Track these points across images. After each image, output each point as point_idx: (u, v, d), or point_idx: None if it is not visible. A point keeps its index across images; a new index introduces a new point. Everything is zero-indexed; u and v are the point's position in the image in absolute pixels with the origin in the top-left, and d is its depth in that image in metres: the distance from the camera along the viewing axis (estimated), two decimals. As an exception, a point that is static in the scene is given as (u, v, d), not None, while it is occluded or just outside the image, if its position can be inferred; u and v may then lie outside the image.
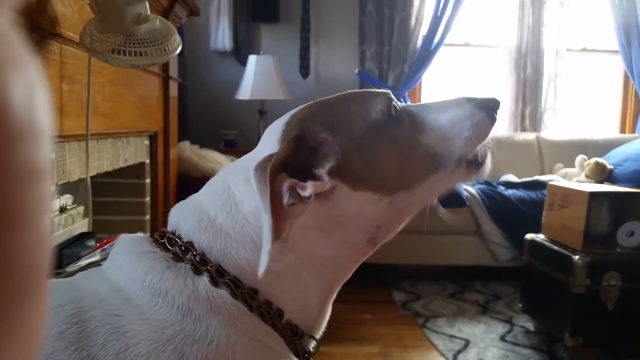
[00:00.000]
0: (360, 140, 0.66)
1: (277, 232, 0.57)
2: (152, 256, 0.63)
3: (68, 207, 1.51)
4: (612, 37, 4.03)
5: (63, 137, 1.30)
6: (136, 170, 2.06)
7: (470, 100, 0.74)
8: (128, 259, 0.64)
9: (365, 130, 0.67)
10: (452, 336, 2.43)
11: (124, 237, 0.68)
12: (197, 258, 0.62)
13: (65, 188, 1.56)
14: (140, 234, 0.68)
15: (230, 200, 0.65)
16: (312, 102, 0.72)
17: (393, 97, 0.72)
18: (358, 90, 0.74)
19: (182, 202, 0.71)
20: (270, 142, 0.67)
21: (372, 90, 0.73)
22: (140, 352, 0.55)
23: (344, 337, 2.39)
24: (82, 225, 1.56)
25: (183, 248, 0.63)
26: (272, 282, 0.63)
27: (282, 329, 0.63)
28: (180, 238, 0.65)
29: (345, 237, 0.67)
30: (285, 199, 0.59)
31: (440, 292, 3.08)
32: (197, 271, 0.61)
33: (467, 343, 2.36)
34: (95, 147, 1.53)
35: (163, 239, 0.65)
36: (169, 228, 0.68)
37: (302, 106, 0.71)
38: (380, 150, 0.67)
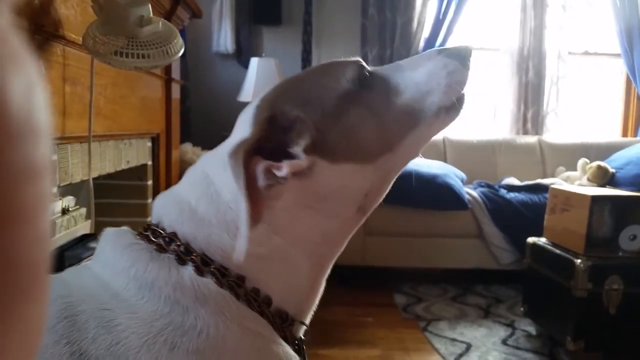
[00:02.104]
0: (333, 113, 0.65)
1: (255, 216, 0.57)
2: (135, 248, 0.62)
3: (70, 209, 1.51)
4: (614, 41, 4.03)
5: (65, 139, 1.30)
6: (138, 172, 2.06)
7: (441, 51, 0.73)
8: (112, 253, 0.63)
9: (338, 101, 0.66)
10: (453, 339, 2.42)
11: (108, 231, 0.67)
12: (182, 248, 0.62)
13: (68, 190, 1.56)
14: (124, 227, 0.68)
15: (210, 189, 0.64)
16: (282, 81, 0.71)
17: (364, 63, 0.70)
18: (327, 62, 0.72)
19: (163, 194, 0.70)
20: (243, 127, 0.66)
21: (340, 60, 0.71)
22: (131, 346, 0.54)
23: (345, 340, 2.38)
24: (84, 227, 1.56)
25: (167, 239, 0.63)
26: (259, 268, 0.63)
27: (271, 316, 0.63)
28: (164, 229, 0.64)
29: (333, 211, 0.66)
30: (261, 182, 0.59)
31: (442, 295, 3.07)
32: (182, 261, 0.61)
33: (468, 346, 2.36)
34: (98, 149, 1.53)
35: (147, 232, 0.64)
36: (153, 220, 0.67)
37: (272, 87, 0.70)
38: (355, 120, 0.66)
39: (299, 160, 0.62)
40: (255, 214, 0.57)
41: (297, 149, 0.63)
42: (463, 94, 0.72)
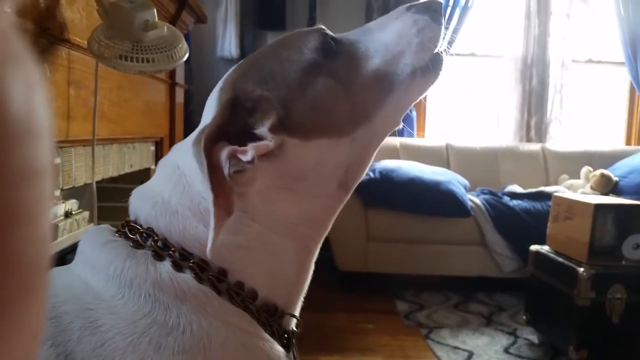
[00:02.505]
0: (298, 87, 0.62)
1: (226, 206, 0.54)
2: (112, 245, 0.60)
3: (73, 212, 1.51)
4: (618, 49, 4.03)
5: (69, 142, 1.31)
6: (141, 175, 2.06)
7: (409, 7, 0.68)
8: (91, 251, 0.61)
9: (302, 74, 0.62)
10: (455, 347, 2.41)
11: (88, 230, 0.66)
12: (159, 243, 0.60)
13: (71, 193, 1.57)
14: (103, 225, 0.66)
15: (182, 180, 0.62)
16: (244, 59, 0.68)
17: (327, 31, 0.67)
18: (289, 33, 0.69)
19: (138, 188, 0.68)
20: (209, 112, 0.64)
21: (302, 29, 0.68)
22: (116, 347, 0.53)
23: (346, 347, 2.37)
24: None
25: (144, 235, 0.61)
26: (240, 258, 0.61)
27: (256, 311, 0.60)
28: (141, 225, 0.62)
29: (313, 191, 0.63)
30: (226, 169, 0.55)
31: (444, 302, 3.06)
32: (159, 257, 0.59)
33: (470, 355, 2.35)
34: (101, 152, 1.54)
35: (124, 228, 0.63)
36: (130, 217, 0.65)
37: (234, 67, 0.67)
38: (323, 92, 0.62)
39: (266, 142, 0.58)
40: (225, 203, 0.54)
41: (263, 130, 0.59)
42: (440, 54, 0.68)
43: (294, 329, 0.68)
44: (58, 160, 1.26)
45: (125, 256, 0.59)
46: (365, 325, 2.66)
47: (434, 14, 0.68)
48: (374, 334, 2.57)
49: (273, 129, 0.59)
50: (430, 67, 0.67)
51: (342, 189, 0.66)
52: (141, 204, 0.64)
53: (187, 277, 0.58)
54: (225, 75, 0.66)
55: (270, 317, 0.63)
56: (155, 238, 0.61)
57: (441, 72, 0.68)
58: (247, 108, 0.61)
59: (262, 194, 0.61)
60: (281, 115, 0.60)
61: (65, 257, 1.28)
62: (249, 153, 0.56)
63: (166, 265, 0.58)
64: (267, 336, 0.61)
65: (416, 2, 0.69)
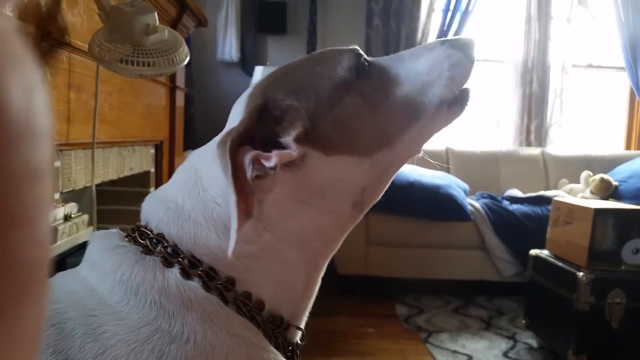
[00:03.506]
0: (327, 102, 0.62)
1: (246, 209, 0.54)
2: (121, 251, 0.60)
3: (73, 215, 1.51)
4: (618, 54, 4.03)
5: (69, 145, 1.31)
6: (141, 179, 2.06)
7: (444, 42, 0.70)
8: (99, 256, 0.61)
9: (332, 90, 0.63)
10: (454, 351, 2.41)
11: (96, 234, 0.65)
12: (169, 250, 0.59)
13: (70, 196, 1.57)
14: (112, 229, 0.66)
15: (197, 185, 0.62)
16: (277, 68, 0.69)
17: (361, 52, 0.68)
18: (324, 49, 0.70)
19: (152, 193, 0.68)
20: (235, 116, 0.64)
21: (337, 47, 0.68)
22: (119, 354, 0.53)
23: (346, 351, 2.37)
24: (86, 234, 1.55)
25: (154, 240, 0.60)
26: (249, 267, 0.60)
27: (262, 323, 0.60)
28: (151, 230, 0.62)
29: (328, 206, 0.63)
30: (249, 173, 0.56)
31: (444, 306, 3.06)
32: (168, 264, 0.58)
33: (470, 358, 2.34)
34: (101, 155, 1.54)
35: (135, 233, 0.62)
36: (142, 221, 0.65)
37: (266, 75, 0.68)
38: (351, 110, 0.63)
39: (290, 151, 0.59)
40: (246, 207, 0.55)
41: (289, 139, 0.60)
42: (468, 89, 0.69)
43: (299, 341, 0.67)
44: (58, 163, 1.26)
45: (134, 262, 0.59)
46: (365, 329, 2.66)
47: (467, 50, 0.69)
48: (374, 338, 2.56)
49: (298, 140, 0.60)
50: (457, 101, 0.68)
51: (356, 208, 0.66)
52: (154, 209, 0.64)
53: (194, 285, 0.58)
54: (256, 82, 0.67)
55: (275, 329, 0.62)
56: (165, 244, 0.60)
57: (467, 107, 0.70)
58: (274, 116, 0.61)
59: (278, 203, 0.61)
60: (307, 127, 0.61)
61: (64, 260, 1.28)
62: (272, 159, 0.57)
63: (174, 273, 0.58)
64: (272, 348, 0.61)
65: (451, 38, 0.71)
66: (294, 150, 0.59)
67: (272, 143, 0.60)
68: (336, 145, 0.62)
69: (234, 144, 0.56)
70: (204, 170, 0.62)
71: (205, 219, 0.60)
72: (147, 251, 0.60)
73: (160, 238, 0.61)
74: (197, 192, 0.62)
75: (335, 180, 0.63)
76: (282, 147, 0.60)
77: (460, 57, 0.68)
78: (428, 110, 0.66)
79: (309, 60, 0.68)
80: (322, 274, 0.69)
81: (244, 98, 0.65)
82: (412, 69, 0.68)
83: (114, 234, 0.65)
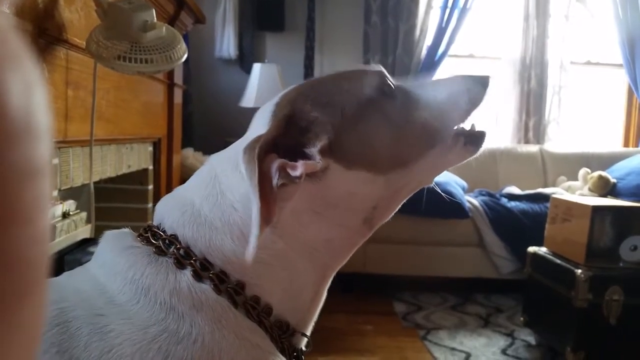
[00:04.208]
0: (353, 118, 0.65)
1: (267, 216, 0.55)
2: (134, 251, 0.61)
3: (71, 213, 1.51)
4: (616, 51, 4.04)
5: (67, 143, 1.30)
6: (139, 176, 2.06)
7: (464, 77, 0.74)
8: (111, 255, 0.61)
9: (358, 107, 0.66)
10: (453, 349, 2.41)
11: (108, 234, 0.66)
12: (181, 251, 0.60)
13: (68, 193, 1.56)
14: (124, 229, 0.66)
15: (216, 189, 0.63)
16: (304, 81, 0.70)
17: (386, 73, 0.70)
18: (350, 69, 0.72)
19: (167, 195, 0.69)
20: (260, 124, 0.65)
21: (364, 67, 0.71)
22: (124, 353, 0.53)
23: (344, 348, 2.38)
24: (84, 231, 1.55)
25: (167, 241, 0.61)
26: (260, 273, 0.61)
27: (269, 327, 0.61)
28: (164, 232, 0.63)
29: (340, 219, 0.65)
30: (275, 180, 0.57)
31: (442, 304, 3.06)
32: (180, 265, 0.59)
33: (468, 356, 2.35)
34: (99, 152, 1.53)
35: (147, 233, 0.63)
36: (155, 222, 0.65)
37: (292, 86, 0.69)
38: (374, 128, 0.66)
39: (315, 162, 0.61)
40: (267, 214, 0.55)
41: (314, 150, 0.61)
42: (484, 132, 0.74)
43: (303, 348, 0.68)
44: (56, 161, 1.26)
45: (146, 262, 0.59)
46: (363, 327, 2.66)
47: (484, 85, 0.73)
48: (372, 335, 2.57)
49: (322, 152, 0.61)
50: (472, 140, 0.73)
51: (366, 225, 0.68)
52: (169, 210, 0.65)
53: (206, 287, 0.58)
54: (284, 92, 0.68)
55: (282, 334, 0.63)
56: (178, 246, 0.61)
57: (480, 150, 0.74)
58: (300, 127, 0.63)
59: (295, 213, 0.62)
60: (332, 140, 0.62)
61: (62, 257, 1.27)
62: (298, 169, 0.58)
63: (186, 275, 0.59)
64: (278, 353, 0.62)
65: (471, 74, 0.75)
66: (318, 162, 0.61)
67: (294, 152, 0.61)
68: (356, 159, 0.64)
69: (262, 151, 0.57)
70: (224, 175, 0.64)
71: (222, 223, 0.61)
72: (160, 252, 0.61)
73: (173, 239, 0.61)
74: (216, 197, 0.63)
75: (350, 193, 0.65)
76: (305, 157, 0.61)
77: (479, 89, 0.72)
78: (445, 138, 0.70)
79: (337, 77, 0.70)
80: (328, 286, 0.71)
81: (270, 106, 0.67)
82: (433, 96, 0.71)
83: (126, 233, 0.65)
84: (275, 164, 0.58)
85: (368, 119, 0.66)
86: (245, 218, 0.59)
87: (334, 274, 0.70)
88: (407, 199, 0.71)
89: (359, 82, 0.68)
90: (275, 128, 0.60)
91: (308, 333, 0.69)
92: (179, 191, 0.68)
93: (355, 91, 0.67)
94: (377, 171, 0.65)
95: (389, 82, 0.69)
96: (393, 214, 0.71)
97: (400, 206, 0.71)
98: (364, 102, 0.66)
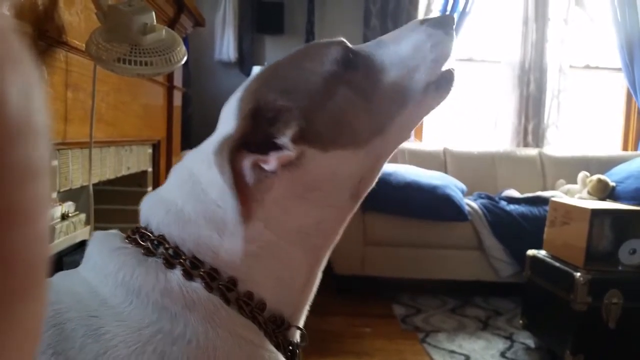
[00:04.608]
0: (320, 98, 0.63)
1: (247, 213, 0.55)
2: (123, 252, 0.60)
3: (70, 215, 1.51)
4: (615, 55, 4.04)
5: (66, 145, 1.30)
6: (138, 178, 2.06)
7: (423, 21, 0.69)
8: (100, 257, 0.61)
9: (323, 85, 0.63)
10: (452, 352, 2.41)
11: (96, 235, 0.65)
12: (170, 251, 0.60)
13: (67, 195, 1.56)
14: (112, 231, 0.66)
15: (197, 187, 0.62)
16: (263, 69, 0.69)
17: (347, 43, 0.68)
18: (309, 44, 0.70)
19: (149, 195, 0.68)
20: (227, 121, 0.64)
21: (323, 40, 0.68)
22: (119, 355, 0.53)
23: (343, 351, 2.37)
24: (83, 233, 1.55)
25: (155, 242, 0.61)
26: (251, 266, 0.61)
27: (264, 322, 0.61)
28: (151, 232, 0.62)
29: (326, 200, 0.64)
30: (249, 178, 0.57)
31: (441, 306, 3.06)
32: (170, 265, 0.59)
33: (467, 359, 2.35)
34: (98, 154, 1.53)
35: (135, 235, 0.63)
36: (141, 223, 0.65)
37: (254, 75, 0.67)
38: (343, 103, 0.63)
39: (288, 152, 0.60)
40: (246, 211, 0.55)
41: (285, 140, 0.60)
42: (452, 70, 0.69)
43: (298, 341, 0.68)
44: (55, 163, 1.26)
45: (135, 263, 0.59)
46: (362, 329, 2.66)
47: (447, 28, 0.68)
48: (371, 338, 2.56)
49: (294, 139, 0.60)
50: (442, 83, 0.68)
51: (353, 198, 0.67)
52: (153, 211, 0.64)
53: (197, 286, 0.58)
54: (245, 85, 0.66)
55: (276, 329, 0.63)
56: (167, 246, 0.60)
57: (452, 89, 0.69)
58: (268, 118, 0.61)
59: (277, 202, 0.61)
60: (302, 125, 0.61)
61: (61, 259, 1.27)
62: (271, 162, 0.58)
63: (176, 274, 0.58)
64: (273, 348, 0.61)
65: (430, 17, 0.70)
66: (291, 151, 0.60)
67: (266, 144, 0.60)
68: (332, 140, 0.62)
69: (232, 151, 0.56)
70: (202, 175, 0.63)
71: (206, 221, 0.61)
72: (149, 253, 0.60)
73: (161, 240, 0.61)
74: (197, 195, 0.62)
75: (332, 174, 0.63)
76: (278, 147, 0.60)
77: (440, 35, 0.68)
78: (415, 95, 0.67)
79: (296, 57, 0.68)
80: (322, 268, 0.69)
81: (235, 101, 0.65)
82: (396, 53, 0.68)
83: (114, 235, 0.65)
84: (248, 162, 0.57)
85: (335, 95, 0.63)
86: (229, 214, 0.59)
87: (327, 254, 0.69)
88: (389, 157, 0.69)
89: (319, 59, 0.65)
90: (243, 125, 0.59)
91: (301, 325, 0.68)
92: (160, 191, 0.68)
93: (316, 69, 0.64)
94: (355, 146, 0.64)
95: (349, 52, 0.66)
96: (377, 179, 0.69)
97: (383, 168, 0.69)
98: (328, 78, 0.64)
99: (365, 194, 0.68)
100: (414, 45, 0.68)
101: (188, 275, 0.58)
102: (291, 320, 0.65)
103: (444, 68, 0.69)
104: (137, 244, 0.61)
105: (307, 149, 0.61)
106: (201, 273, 0.59)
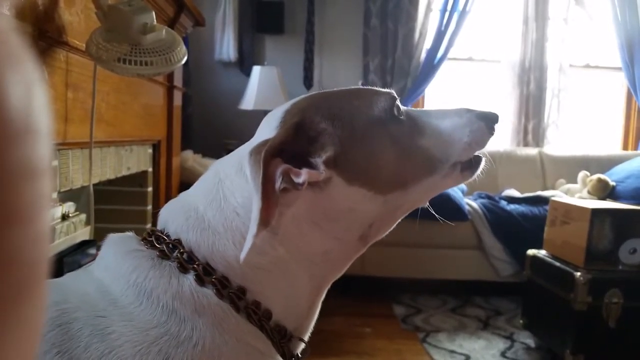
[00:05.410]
0: (360, 135, 0.66)
1: (266, 217, 0.56)
2: (138, 254, 0.61)
3: (70, 215, 1.51)
4: (615, 54, 4.04)
5: (67, 145, 1.30)
6: (138, 178, 2.06)
7: (470, 110, 0.75)
8: (114, 258, 0.62)
9: (367, 125, 0.67)
10: (452, 351, 2.41)
11: (112, 237, 0.67)
12: (184, 256, 0.61)
13: (68, 195, 1.56)
14: (128, 233, 0.67)
15: (220, 194, 0.64)
16: (315, 92, 0.72)
17: (396, 97, 0.72)
18: (362, 87, 0.74)
19: (172, 200, 0.70)
20: (268, 129, 0.66)
21: (376, 88, 0.73)
22: (124, 355, 0.54)
23: (343, 351, 2.37)
24: (83, 233, 1.55)
25: (170, 246, 0.62)
26: (261, 279, 0.62)
27: (270, 331, 0.62)
28: (168, 236, 0.63)
29: (337, 233, 0.66)
30: (278, 184, 0.58)
31: (441, 306, 3.06)
32: (184, 269, 0.60)
33: (467, 358, 2.35)
34: (99, 154, 1.54)
35: (151, 237, 0.64)
36: (159, 227, 0.66)
37: (304, 96, 0.71)
38: (379, 147, 0.67)
39: (318, 171, 0.62)
40: (267, 215, 0.57)
41: (318, 160, 0.63)
42: (480, 157, 0.75)
43: (300, 354, 0.69)
44: (55, 163, 1.26)
45: (149, 266, 0.60)
46: (362, 329, 2.66)
47: (490, 123, 0.74)
48: (371, 338, 2.57)
49: (326, 163, 0.63)
50: (469, 166, 0.74)
51: (362, 240, 0.69)
52: (173, 216, 0.66)
53: (208, 292, 0.59)
54: (294, 100, 0.70)
55: (281, 339, 0.64)
56: (182, 250, 0.62)
57: (477, 174, 0.75)
58: (308, 136, 0.64)
59: (295, 220, 0.63)
60: (337, 153, 0.64)
61: (62, 259, 1.27)
62: (302, 176, 0.59)
63: (189, 279, 0.59)
64: (279, 357, 0.63)
65: (478, 110, 0.76)
66: (322, 172, 0.62)
67: (300, 160, 0.62)
68: (358, 176, 0.65)
69: (268, 154, 0.58)
70: (228, 180, 0.65)
71: (224, 229, 0.62)
72: (164, 256, 0.61)
73: (176, 244, 0.62)
74: (219, 202, 0.64)
75: (349, 209, 0.66)
76: (310, 166, 0.62)
77: (481, 127, 0.73)
78: (443, 167, 0.71)
79: (349, 93, 0.72)
80: (322, 297, 0.72)
81: (280, 112, 0.68)
82: (437, 126, 0.73)
83: (130, 237, 0.66)
84: (280, 168, 0.59)
85: (375, 137, 0.67)
86: (248, 223, 0.60)
87: (328, 286, 0.71)
88: (401, 218, 0.73)
89: (369, 101, 0.69)
90: (284, 134, 0.61)
91: (306, 339, 0.70)
92: (184, 196, 0.69)
93: (365, 109, 0.68)
94: (377, 190, 0.66)
95: (398, 105, 0.71)
96: (387, 232, 0.72)
97: (394, 225, 0.73)
98: (373, 121, 0.68)
99: (373, 241, 0.71)
100: (455, 125, 0.73)
101: (200, 281, 0.60)
102: (294, 332, 0.67)
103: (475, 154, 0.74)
104: (152, 247, 0.63)
105: (335, 175, 0.64)
106: (213, 280, 0.60)
